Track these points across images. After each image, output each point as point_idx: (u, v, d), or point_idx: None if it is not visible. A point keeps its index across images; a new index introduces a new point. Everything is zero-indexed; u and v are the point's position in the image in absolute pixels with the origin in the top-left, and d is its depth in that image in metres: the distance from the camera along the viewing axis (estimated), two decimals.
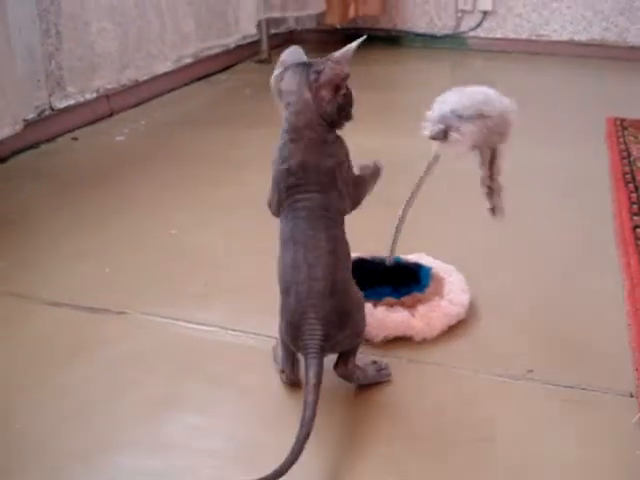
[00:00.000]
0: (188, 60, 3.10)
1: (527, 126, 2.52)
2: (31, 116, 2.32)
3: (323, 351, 1.11)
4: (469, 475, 1.06)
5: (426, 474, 1.06)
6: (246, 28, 3.08)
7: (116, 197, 2.01)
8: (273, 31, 3.72)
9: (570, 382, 1.23)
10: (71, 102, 2.51)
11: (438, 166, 1.34)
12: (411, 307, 1.35)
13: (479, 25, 3.61)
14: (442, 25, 3.66)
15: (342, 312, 1.14)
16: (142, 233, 1.80)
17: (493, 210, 1.36)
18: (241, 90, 3.10)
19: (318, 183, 1.16)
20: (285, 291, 1.15)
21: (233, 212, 1.92)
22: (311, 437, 1.02)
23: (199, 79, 3.23)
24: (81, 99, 2.56)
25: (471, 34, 3.63)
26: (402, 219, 1.39)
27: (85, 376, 1.27)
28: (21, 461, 1.09)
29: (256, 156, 2.23)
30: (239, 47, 3.47)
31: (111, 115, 2.71)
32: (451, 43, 3.65)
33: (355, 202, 1.22)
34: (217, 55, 3.32)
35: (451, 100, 1.28)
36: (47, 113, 2.42)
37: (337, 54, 1.18)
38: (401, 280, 1.41)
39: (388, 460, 1.08)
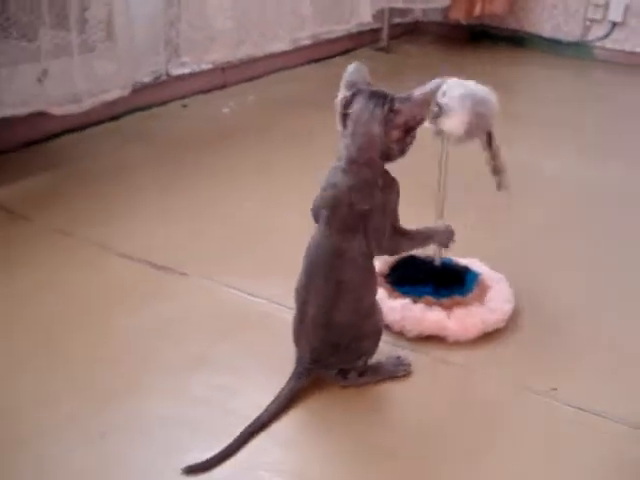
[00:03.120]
0: (306, 42, 3.18)
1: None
2: (147, 80, 2.47)
3: (310, 371, 1.21)
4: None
5: (419, 465, 1.11)
6: (362, 16, 3.13)
7: (207, 166, 2.12)
8: (397, 20, 3.75)
9: (591, 407, 1.23)
10: (186, 70, 2.65)
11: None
12: (448, 309, 1.39)
13: (607, 36, 3.49)
14: (568, 32, 3.57)
15: (336, 343, 1.19)
16: (222, 203, 1.91)
17: (498, 186, 1.40)
18: None
19: (344, 223, 1.14)
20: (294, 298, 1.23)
21: (311, 195, 1.98)
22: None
23: (315, 61, 3.31)
24: (197, 69, 2.69)
25: (598, 44, 3.53)
26: (440, 212, 1.42)
27: (135, 325, 1.40)
28: (70, 391, 1.22)
29: None
30: (360, 33, 3.52)
31: (224, 87, 2.83)
32: (576, 51, 3.55)
33: (387, 250, 1.20)
34: (337, 39, 3.38)
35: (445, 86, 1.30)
36: (162, 78, 2.56)
37: (418, 95, 1.12)
38: (446, 282, 1.45)
39: (384, 448, 1.14)
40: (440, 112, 1.30)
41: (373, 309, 1.22)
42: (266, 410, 1.16)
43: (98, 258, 1.61)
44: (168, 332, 1.38)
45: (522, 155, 2.31)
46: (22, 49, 1.76)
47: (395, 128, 1.13)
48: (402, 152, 1.16)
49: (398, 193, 1.18)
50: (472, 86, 1.32)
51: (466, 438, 1.17)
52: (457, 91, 1.30)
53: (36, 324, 1.39)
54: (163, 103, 2.58)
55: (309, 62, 3.27)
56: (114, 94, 2.01)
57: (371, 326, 1.22)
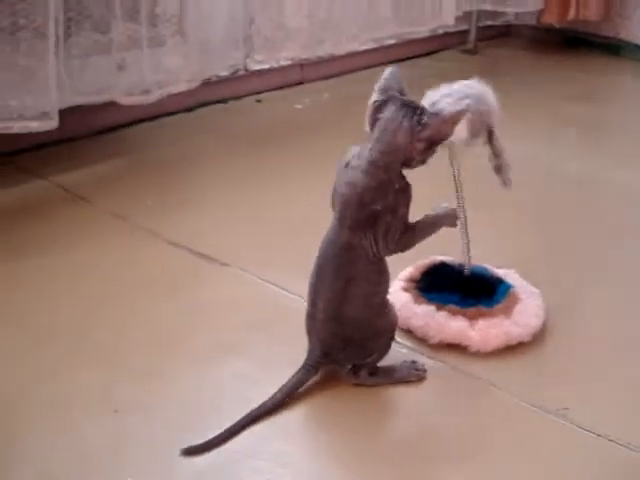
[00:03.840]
0: (389, 41, 3.19)
1: None
2: (224, 74, 2.55)
3: (319, 364, 1.24)
4: None
5: (416, 473, 1.12)
6: (444, 19, 3.11)
7: (270, 161, 2.18)
8: (489, 23, 3.70)
9: (601, 431, 1.20)
10: (265, 66, 2.70)
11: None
12: (472, 319, 1.38)
13: None
14: None
15: (348, 338, 1.21)
16: (277, 199, 1.96)
17: (503, 183, 1.42)
18: (437, 77, 3.14)
19: (356, 221, 1.18)
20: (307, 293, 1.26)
21: None
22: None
23: (399, 60, 3.30)
24: (275, 64, 2.75)
25: None
26: (464, 224, 1.42)
27: (169, 310, 1.47)
28: (92, 365, 1.30)
29: None
30: (447, 34, 3.49)
31: (301, 83, 2.88)
32: None
33: (396, 249, 1.21)
34: (421, 40, 3.37)
35: (440, 90, 1.33)
36: (240, 73, 2.64)
37: (448, 113, 1.17)
38: (475, 291, 1.44)
39: (386, 451, 1.16)
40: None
41: (385, 307, 1.25)
42: (271, 398, 1.19)
43: (145, 242, 1.70)
44: (199, 319, 1.44)
45: (599, 166, 2.23)
46: (95, 41, 1.87)
47: (420, 141, 1.17)
48: (422, 162, 1.21)
49: (410, 197, 1.21)
50: (464, 87, 1.33)
51: (467, 450, 1.17)
52: (448, 97, 1.29)
53: (75, 297, 1.49)
54: (239, 97, 2.66)
55: (391, 62, 3.24)
56: (180, 87, 2.10)
57: (384, 325, 1.24)
